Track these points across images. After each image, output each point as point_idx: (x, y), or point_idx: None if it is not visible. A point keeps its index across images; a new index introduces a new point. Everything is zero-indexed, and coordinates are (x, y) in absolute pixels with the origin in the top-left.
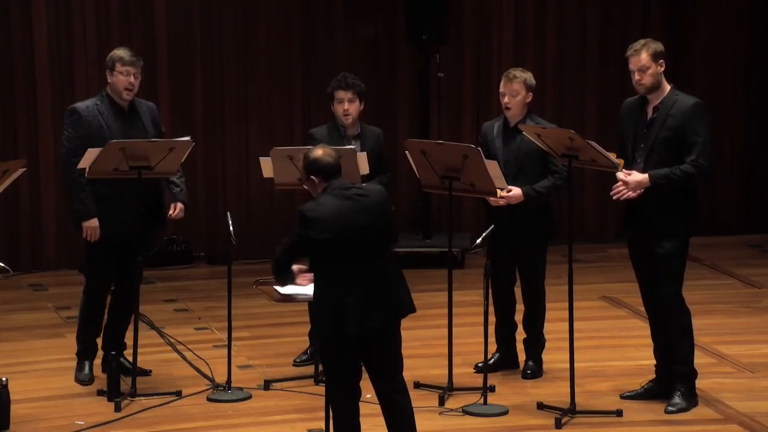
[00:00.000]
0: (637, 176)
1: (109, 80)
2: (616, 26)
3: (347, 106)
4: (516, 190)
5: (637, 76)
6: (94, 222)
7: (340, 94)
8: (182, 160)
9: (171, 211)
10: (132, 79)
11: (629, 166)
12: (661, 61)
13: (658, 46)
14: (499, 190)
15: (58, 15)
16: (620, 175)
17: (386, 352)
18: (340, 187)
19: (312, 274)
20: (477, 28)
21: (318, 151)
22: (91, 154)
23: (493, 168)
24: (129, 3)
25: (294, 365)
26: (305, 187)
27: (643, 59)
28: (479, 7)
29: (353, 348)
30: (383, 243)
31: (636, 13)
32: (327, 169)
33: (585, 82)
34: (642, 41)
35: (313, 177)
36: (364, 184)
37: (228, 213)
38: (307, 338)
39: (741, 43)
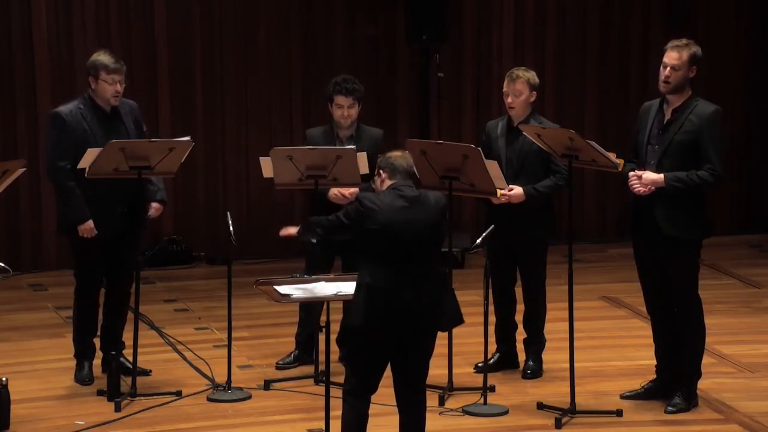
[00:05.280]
0: (651, 174)
1: (92, 86)
2: (616, 26)
3: (347, 112)
4: (518, 189)
5: (667, 72)
6: (89, 224)
7: (340, 99)
8: (182, 160)
9: (150, 211)
10: (118, 86)
11: (642, 167)
12: (693, 67)
13: (699, 52)
14: (499, 190)
15: (58, 15)
16: (634, 172)
17: (415, 359)
18: (402, 188)
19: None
20: (477, 28)
21: (397, 153)
22: (91, 154)
23: (493, 168)
24: (129, 3)
25: (276, 368)
26: (373, 184)
27: (683, 57)
28: (479, 7)
29: (378, 347)
30: (429, 250)
31: (636, 13)
32: (398, 168)
33: (585, 82)
34: (686, 40)
35: (381, 171)
36: (425, 191)
37: (228, 213)
38: (293, 340)
39: (741, 43)
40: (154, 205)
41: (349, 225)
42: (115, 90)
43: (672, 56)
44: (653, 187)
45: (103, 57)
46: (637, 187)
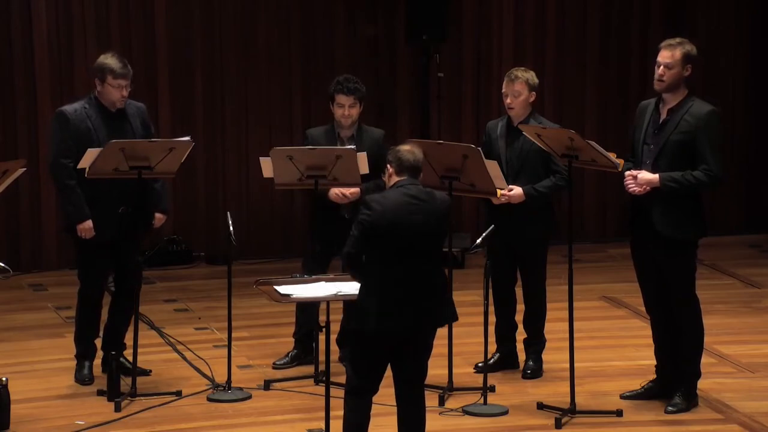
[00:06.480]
0: (647, 174)
1: (98, 88)
2: (616, 26)
3: (347, 111)
4: (517, 190)
5: (660, 71)
6: (88, 224)
7: (342, 98)
8: (182, 160)
9: (153, 221)
10: (124, 92)
11: (638, 167)
12: (688, 65)
13: (693, 50)
14: (499, 190)
15: (58, 15)
16: (629, 171)
17: (414, 359)
18: (408, 186)
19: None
20: (477, 28)
21: (405, 146)
22: (91, 155)
23: (492, 168)
24: (129, 3)
25: (273, 368)
26: (384, 178)
27: (675, 56)
28: (479, 7)
29: (381, 348)
30: (432, 250)
31: (636, 13)
32: (404, 164)
33: (585, 82)
34: (680, 39)
35: (389, 166)
36: (431, 190)
37: (228, 213)
38: (291, 339)
39: (741, 43)
40: (158, 215)
41: (365, 234)
42: (121, 95)
43: (665, 55)
44: (648, 187)
45: (110, 61)
46: (632, 187)
